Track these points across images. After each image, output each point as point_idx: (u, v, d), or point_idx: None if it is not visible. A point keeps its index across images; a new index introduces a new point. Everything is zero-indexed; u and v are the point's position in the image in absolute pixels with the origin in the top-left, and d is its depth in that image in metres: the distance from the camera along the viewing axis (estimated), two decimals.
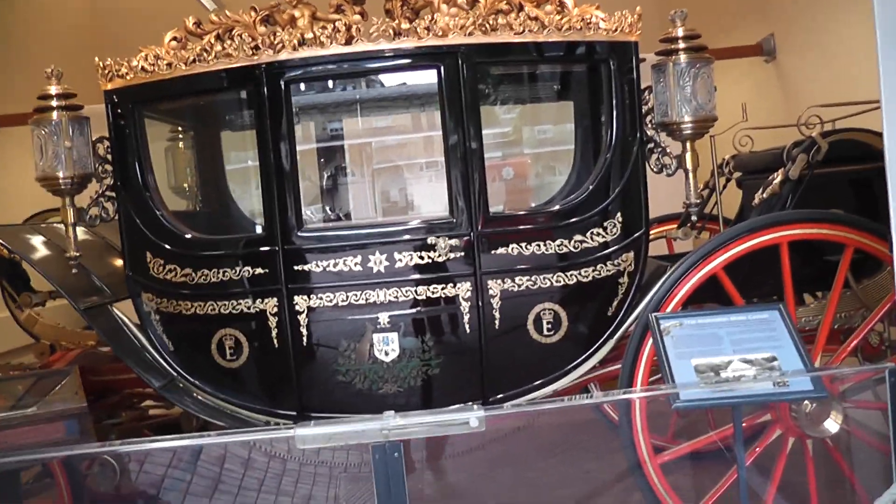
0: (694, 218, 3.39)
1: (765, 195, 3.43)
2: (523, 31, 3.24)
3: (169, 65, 3.33)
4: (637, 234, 3.35)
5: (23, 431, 2.82)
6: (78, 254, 3.39)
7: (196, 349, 3.45)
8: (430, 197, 4.01)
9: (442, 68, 3.23)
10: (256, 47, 3.24)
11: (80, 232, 3.84)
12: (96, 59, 3.44)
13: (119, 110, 3.43)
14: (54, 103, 3.34)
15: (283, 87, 3.28)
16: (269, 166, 3.29)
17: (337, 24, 3.28)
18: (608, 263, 3.33)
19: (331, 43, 3.24)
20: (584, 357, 3.37)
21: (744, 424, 2.82)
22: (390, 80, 3.78)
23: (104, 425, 4.11)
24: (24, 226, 3.77)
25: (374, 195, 4.16)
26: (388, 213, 4.15)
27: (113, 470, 3.38)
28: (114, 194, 3.47)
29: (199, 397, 3.46)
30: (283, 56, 3.26)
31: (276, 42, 3.24)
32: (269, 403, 3.43)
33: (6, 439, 2.84)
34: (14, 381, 3.24)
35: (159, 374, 3.46)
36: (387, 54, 3.25)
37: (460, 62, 3.22)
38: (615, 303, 3.36)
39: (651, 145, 3.39)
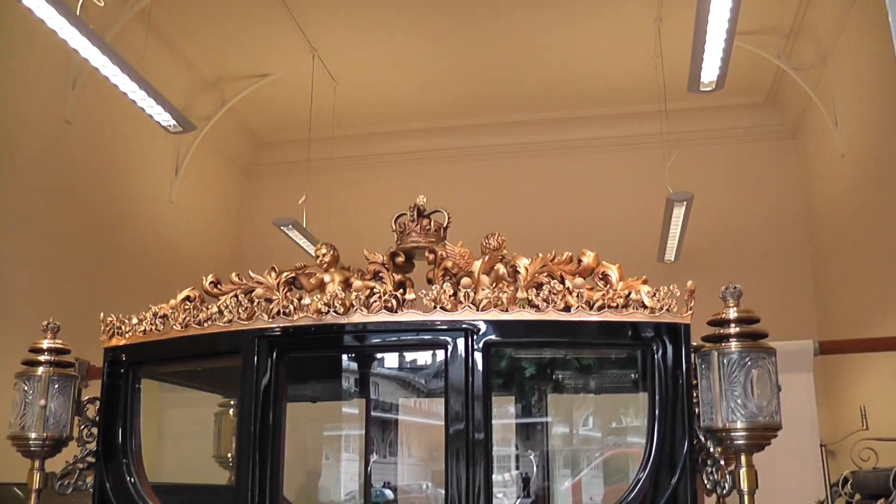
0: None
1: None
2: (547, 307, 2.76)
3: (164, 324, 3.10)
4: None
5: None
6: None
7: None
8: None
9: (449, 347, 2.78)
10: (277, 311, 2.93)
11: None
12: (101, 314, 3.28)
13: (114, 369, 3.18)
14: (42, 358, 3.14)
15: (273, 358, 2.93)
16: (247, 444, 2.87)
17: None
18: None
19: (328, 311, 2.91)
20: None
21: None
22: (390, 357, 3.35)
23: None
24: None
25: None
26: None
27: None
28: (93, 460, 3.14)
29: None
30: (282, 323, 2.94)
31: (280, 308, 2.94)
32: None
33: None
34: None
35: None
36: (398, 327, 2.86)
37: (470, 341, 2.76)
38: None
39: (704, 455, 2.68)
